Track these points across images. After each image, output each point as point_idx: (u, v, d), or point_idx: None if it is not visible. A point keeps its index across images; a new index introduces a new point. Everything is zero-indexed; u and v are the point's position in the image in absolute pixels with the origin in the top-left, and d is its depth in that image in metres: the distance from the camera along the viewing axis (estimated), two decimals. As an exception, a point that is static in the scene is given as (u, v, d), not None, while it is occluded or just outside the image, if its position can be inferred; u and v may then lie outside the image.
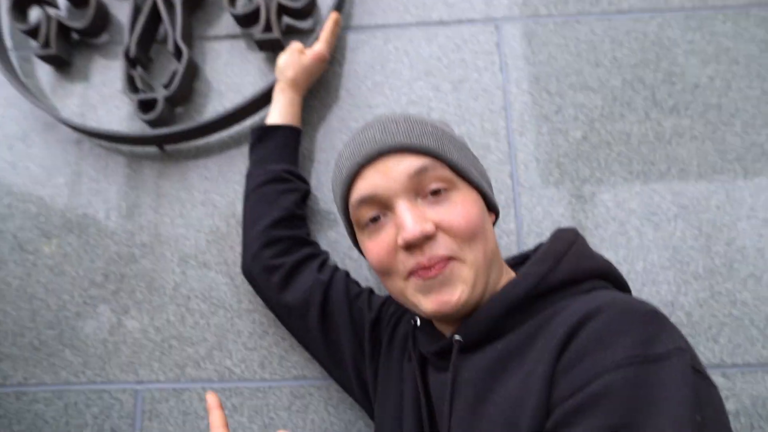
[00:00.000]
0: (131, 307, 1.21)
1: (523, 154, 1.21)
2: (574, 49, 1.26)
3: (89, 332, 1.21)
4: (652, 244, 1.14)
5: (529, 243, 1.16)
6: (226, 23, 1.35)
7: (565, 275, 0.75)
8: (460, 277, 0.74)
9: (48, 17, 1.31)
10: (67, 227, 1.26)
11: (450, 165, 0.78)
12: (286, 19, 1.30)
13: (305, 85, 1.21)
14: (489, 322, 0.74)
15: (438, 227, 0.74)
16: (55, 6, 1.35)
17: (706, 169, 1.18)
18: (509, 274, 0.83)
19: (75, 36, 1.36)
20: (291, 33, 1.31)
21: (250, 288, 1.17)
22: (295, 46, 1.21)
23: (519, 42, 1.28)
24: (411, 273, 0.75)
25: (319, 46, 1.21)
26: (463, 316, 0.77)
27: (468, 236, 0.74)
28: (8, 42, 1.39)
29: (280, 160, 1.15)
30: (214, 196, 1.25)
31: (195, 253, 1.22)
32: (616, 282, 0.81)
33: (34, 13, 1.36)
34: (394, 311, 1.01)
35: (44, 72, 1.37)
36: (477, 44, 1.28)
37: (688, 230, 1.15)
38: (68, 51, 1.35)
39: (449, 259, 0.73)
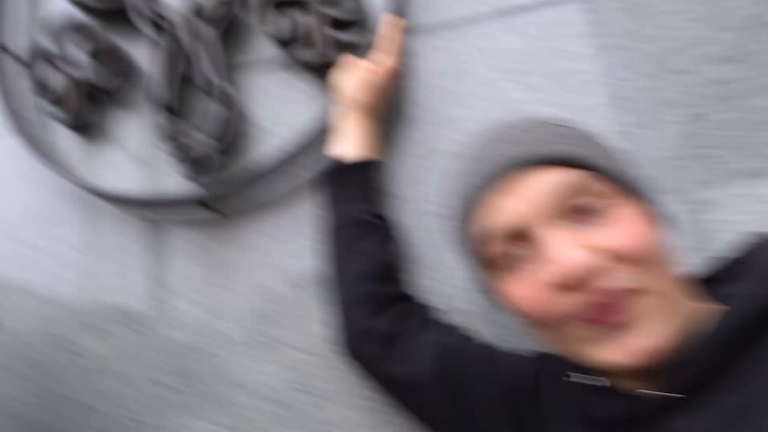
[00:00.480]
0: (198, 407, 1.01)
1: (650, 150, 0.96)
2: (692, 12, 1.00)
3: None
4: None
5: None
6: (256, 47, 1.15)
7: None
8: (647, 314, 0.56)
9: (72, 81, 1.13)
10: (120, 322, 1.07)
11: (609, 176, 0.60)
12: (330, 31, 1.09)
13: (381, 108, 1.01)
14: (712, 366, 0.56)
15: (604, 254, 0.56)
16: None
17: None
18: (706, 302, 0.61)
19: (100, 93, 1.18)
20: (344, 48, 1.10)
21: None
22: (361, 64, 1.00)
23: (618, 16, 1.03)
24: (580, 318, 0.57)
25: (390, 60, 1.00)
26: (658, 365, 0.56)
27: (645, 259, 0.57)
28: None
29: (364, 200, 0.95)
30: (282, 257, 1.04)
31: (262, 327, 1.01)
32: None
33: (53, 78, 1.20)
34: (534, 370, 0.77)
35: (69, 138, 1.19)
36: (567, 27, 1.04)
37: None
38: (92, 114, 1.17)
39: (628, 291, 0.55)
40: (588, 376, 0.66)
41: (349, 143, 0.98)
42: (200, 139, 1.09)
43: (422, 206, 1.02)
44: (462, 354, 0.83)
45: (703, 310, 0.60)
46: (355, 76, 0.99)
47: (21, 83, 1.21)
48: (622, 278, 0.56)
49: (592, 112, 0.99)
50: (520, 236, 0.60)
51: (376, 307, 0.88)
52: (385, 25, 1.02)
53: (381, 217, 0.95)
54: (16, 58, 1.21)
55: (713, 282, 0.66)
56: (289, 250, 1.05)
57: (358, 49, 1.08)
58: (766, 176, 0.90)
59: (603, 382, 0.63)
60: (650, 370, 0.58)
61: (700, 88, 0.95)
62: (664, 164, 0.94)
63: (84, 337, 1.08)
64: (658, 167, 0.93)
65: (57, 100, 1.15)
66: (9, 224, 1.16)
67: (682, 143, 0.94)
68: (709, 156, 0.92)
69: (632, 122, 0.97)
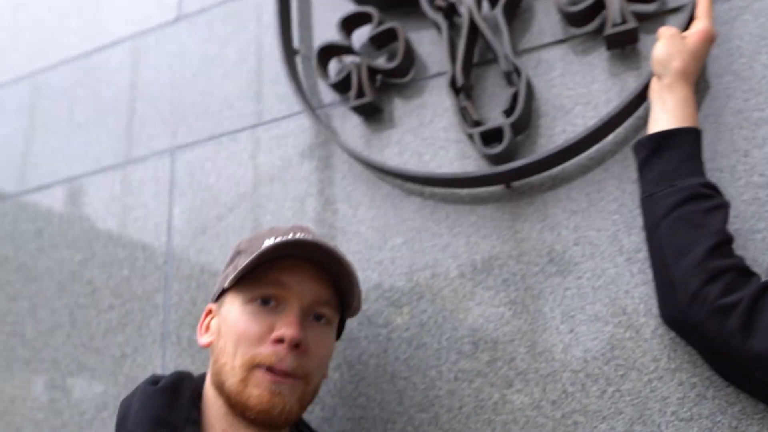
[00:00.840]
0: (514, 379, 0.99)
1: None
2: None
3: (468, 412, 1.00)
4: None
5: None
6: (552, 29, 1.13)
7: None
8: None
9: (357, 65, 1.17)
10: (417, 292, 1.09)
11: None
12: (631, 4, 1.04)
13: (695, 76, 0.95)
14: None
15: None
16: (351, 50, 1.22)
17: None
18: None
19: (379, 79, 1.21)
20: (640, 19, 1.05)
21: (666, 341, 0.92)
22: (670, 30, 0.95)
23: None
24: None
25: (702, 23, 0.94)
26: None
27: None
28: (320, 100, 1.28)
29: (691, 173, 0.89)
30: (588, 232, 1.01)
31: (581, 304, 0.99)
32: None
33: (333, 65, 1.25)
34: None
35: (354, 126, 1.24)
36: None
37: None
38: (379, 97, 1.21)
39: None
40: None
41: (664, 113, 0.93)
42: (493, 116, 1.09)
43: (745, 179, 0.95)
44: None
45: None
46: (666, 43, 0.95)
47: (312, 79, 1.27)
48: None
49: None
50: None
51: (727, 282, 0.82)
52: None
53: (713, 187, 0.89)
54: (306, 57, 1.28)
55: None
56: (596, 225, 1.01)
57: (654, 21, 1.03)
58: None
59: None
60: None
61: None
62: None
63: (389, 312, 1.10)
64: None
65: (347, 89, 1.19)
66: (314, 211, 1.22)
67: None
68: None
69: None
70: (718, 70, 1.01)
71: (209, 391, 0.86)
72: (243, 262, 0.81)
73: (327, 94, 1.29)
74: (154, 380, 0.87)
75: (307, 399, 0.84)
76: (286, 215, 1.24)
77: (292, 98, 1.28)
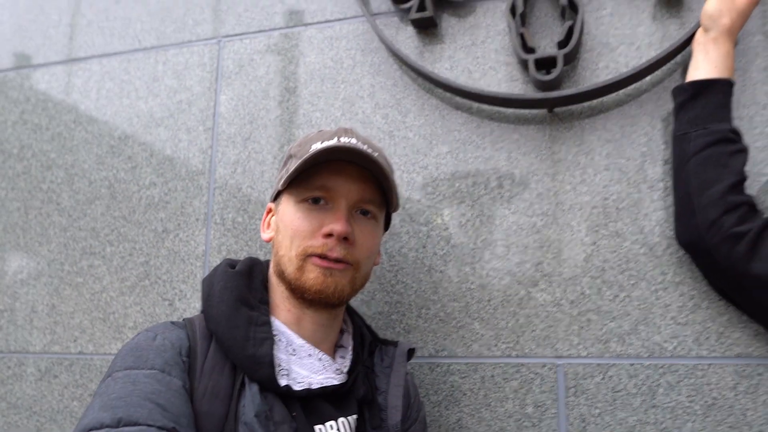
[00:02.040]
0: (540, 280, 1.15)
1: None
2: None
3: (496, 304, 1.16)
4: None
5: None
6: None
7: None
8: None
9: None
10: (458, 197, 1.22)
11: None
12: None
13: (738, 33, 1.07)
14: None
15: None
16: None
17: None
18: None
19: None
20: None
21: (674, 259, 1.10)
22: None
23: None
24: None
25: (752, -16, 1.05)
26: None
27: None
28: (372, 8, 1.33)
29: (722, 119, 1.03)
30: (619, 160, 1.15)
31: (605, 221, 1.14)
32: None
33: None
34: None
35: (407, 37, 1.31)
36: None
37: None
38: (437, 14, 1.28)
39: None
40: None
41: (707, 64, 1.05)
42: (544, 45, 1.19)
43: (760, 129, 1.10)
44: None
45: None
46: (720, 1, 1.05)
47: None
48: None
49: None
50: None
51: (741, 215, 0.98)
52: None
53: (737, 134, 1.03)
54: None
55: None
56: (626, 154, 1.15)
57: None
58: None
59: None
60: None
61: None
62: None
63: (430, 212, 1.22)
64: None
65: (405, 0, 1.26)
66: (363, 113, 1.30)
67: None
68: None
69: None
70: (751, 29, 1.13)
71: (273, 278, 0.96)
72: (293, 165, 0.90)
73: (380, 2, 1.33)
74: (231, 264, 0.96)
75: (358, 283, 0.95)
76: (336, 114, 1.32)
77: (347, 1, 1.33)
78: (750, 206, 1.00)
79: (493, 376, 1.15)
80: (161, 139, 1.43)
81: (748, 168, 1.04)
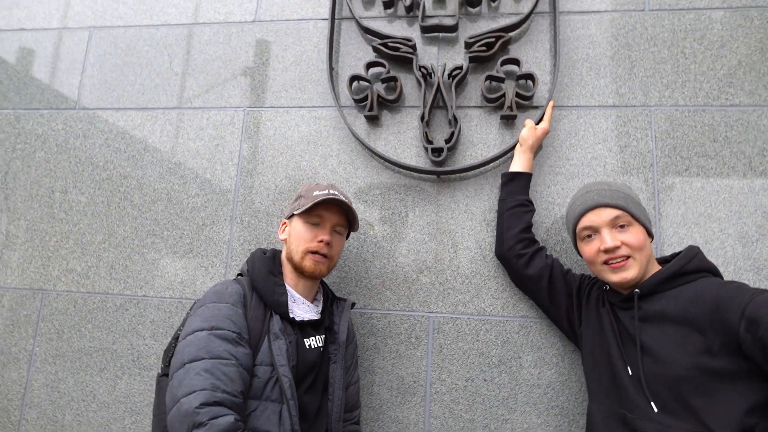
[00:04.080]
0: (424, 270, 1.96)
1: (664, 194, 1.89)
2: (699, 129, 1.92)
3: (399, 282, 1.97)
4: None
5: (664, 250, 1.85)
6: (476, 98, 2.04)
7: (693, 267, 1.43)
8: (632, 267, 1.45)
9: (372, 91, 2.03)
10: (382, 220, 2.01)
11: (630, 213, 1.47)
12: (517, 99, 1.98)
13: (536, 148, 1.91)
14: (651, 285, 1.43)
15: (622, 243, 1.45)
16: (369, 81, 2.06)
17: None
18: (657, 266, 1.51)
19: (381, 101, 2.07)
20: (519, 108, 1.99)
21: (494, 264, 1.91)
22: (531, 123, 1.89)
23: (663, 122, 1.94)
24: (608, 264, 1.47)
25: (545, 124, 1.90)
26: (635, 285, 1.46)
27: (638, 247, 1.45)
28: (341, 102, 2.12)
29: (523, 193, 1.85)
30: (473, 208, 1.97)
31: (462, 240, 1.96)
32: (718, 274, 1.47)
33: (356, 85, 2.09)
34: (588, 282, 1.72)
35: (361, 123, 2.10)
36: (636, 122, 1.95)
37: None
38: (380, 112, 2.07)
39: (627, 257, 1.44)
40: (607, 286, 1.57)
41: (520, 163, 1.88)
42: (438, 139, 2.01)
43: (545, 199, 1.95)
44: (560, 269, 1.77)
45: (654, 269, 1.49)
46: (528, 130, 1.89)
47: (344, 92, 2.11)
48: (624, 251, 1.44)
49: (637, 171, 1.90)
50: (594, 230, 1.49)
51: (526, 244, 1.80)
52: (548, 105, 1.92)
53: (530, 202, 1.87)
54: (336, 73, 2.10)
55: (664, 261, 1.58)
56: (476, 205, 1.97)
57: (526, 110, 1.99)
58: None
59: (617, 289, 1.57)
60: (627, 285, 1.47)
61: (695, 168, 1.88)
62: (676, 202, 1.87)
63: (368, 227, 2.03)
64: (672, 202, 1.87)
65: (363, 101, 2.05)
66: (332, 166, 2.09)
67: (692, 195, 1.88)
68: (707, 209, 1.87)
69: (658, 179, 1.89)
70: (546, 144, 1.98)
71: (285, 261, 1.67)
72: (304, 203, 1.61)
73: (346, 99, 2.12)
74: (263, 251, 1.67)
75: (330, 268, 1.67)
76: (315, 165, 2.09)
77: (328, 96, 2.11)
78: (531, 240, 1.82)
79: (395, 321, 1.95)
80: (203, 167, 2.15)
81: (535, 218, 1.88)
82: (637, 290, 1.44)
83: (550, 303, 1.77)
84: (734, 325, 1.20)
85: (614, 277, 1.45)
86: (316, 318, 1.61)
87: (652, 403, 1.31)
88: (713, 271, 1.45)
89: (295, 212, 1.63)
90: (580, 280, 1.73)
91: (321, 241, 1.59)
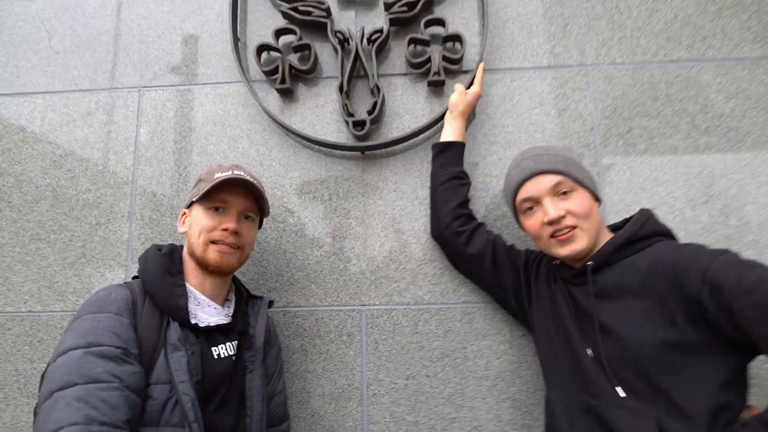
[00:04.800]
0: (353, 258, 1.71)
1: (608, 158, 1.70)
2: (639, 88, 1.74)
3: (325, 273, 1.71)
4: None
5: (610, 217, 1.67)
6: (400, 65, 1.80)
7: (646, 232, 1.26)
8: (580, 237, 1.26)
9: (283, 61, 1.76)
10: (303, 206, 1.75)
11: (572, 178, 1.28)
12: (444, 64, 1.75)
13: (468, 115, 1.69)
14: (605, 255, 1.25)
15: (567, 212, 1.25)
16: (280, 51, 1.79)
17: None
18: (609, 233, 1.34)
19: (294, 73, 1.80)
20: (448, 73, 1.76)
21: (431, 245, 1.68)
22: (460, 87, 1.67)
23: (602, 82, 1.75)
24: (553, 238, 1.28)
25: (476, 88, 1.68)
26: (584, 257, 1.29)
27: (585, 214, 1.26)
28: (250, 76, 1.83)
29: (457, 165, 1.63)
30: (402, 185, 1.73)
31: (392, 223, 1.72)
32: (673, 237, 1.31)
33: (265, 56, 1.82)
34: (535, 257, 1.51)
35: (274, 98, 1.82)
36: (573, 82, 1.75)
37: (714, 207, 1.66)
38: (292, 83, 1.80)
39: (574, 227, 1.25)
40: (557, 261, 1.39)
41: (451, 132, 1.66)
42: (360, 111, 1.76)
43: (481, 170, 1.73)
44: (503, 246, 1.56)
45: (606, 237, 1.32)
46: (457, 94, 1.67)
47: (252, 64, 1.82)
48: (570, 220, 1.26)
49: (581, 135, 1.71)
50: (535, 200, 1.30)
51: (464, 220, 1.59)
52: (478, 67, 1.70)
53: (464, 175, 1.64)
54: (243, 44, 1.81)
55: (616, 228, 1.40)
56: (406, 182, 1.73)
57: (456, 75, 1.76)
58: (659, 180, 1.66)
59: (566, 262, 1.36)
60: (576, 257, 1.29)
61: (637, 130, 1.69)
62: (613, 167, 1.68)
63: (285, 215, 1.75)
64: (610, 169, 1.68)
65: (273, 74, 1.77)
66: (242, 148, 1.80)
67: (624, 159, 1.68)
68: (635, 167, 1.68)
69: (599, 143, 1.69)
70: (479, 111, 1.76)
71: (186, 256, 1.39)
72: (204, 187, 1.34)
73: (256, 73, 1.84)
74: (158, 248, 1.39)
75: (241, 261, 1.41)
76: (223, 147, 1.80)
77: (235, 71, 1.82)
78: (469, 216, 1.60)
79: (322, 317, 1.69)
80: (95, 158, 1.83)
81: (471, 193, 1.66)
82: (590, 263, 1.26)
83: (495, 284, 1.57)
84: (696, 292, 1.06)
85: (562, 251, 1.27)
86: (225, 322, 1.35)
87: (618, 388, 1.14)
88: (668, 234, 1.28)
89: (194, 199, 1.36)
90: (525, 255, 1.54)
91: (226, 230, 1.33)
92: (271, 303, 1.51)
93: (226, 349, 1.33)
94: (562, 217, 1.25)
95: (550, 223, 1.26)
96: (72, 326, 1.16)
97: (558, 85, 1.76)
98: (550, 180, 1.28)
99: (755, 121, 1.70)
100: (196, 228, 1.34)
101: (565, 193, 1.27)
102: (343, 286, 1.70)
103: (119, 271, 1.75)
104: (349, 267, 1.71)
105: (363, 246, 1.71)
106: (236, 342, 1.37)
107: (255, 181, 1.38)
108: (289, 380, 1.65)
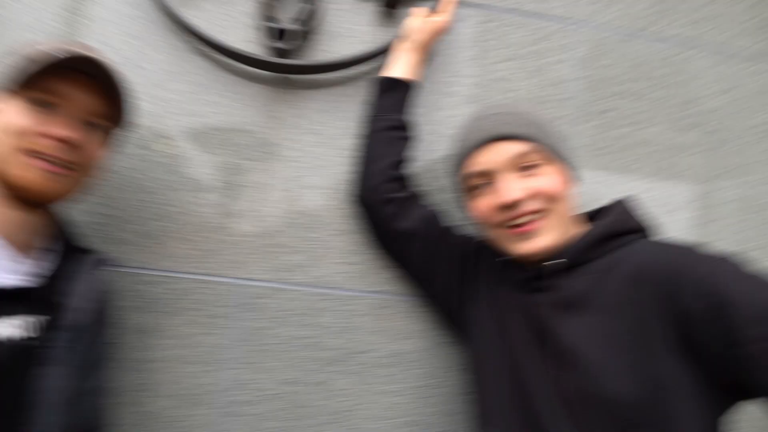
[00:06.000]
0: (236, 213, 1.20)
1: (574, 141, 1.30)
2: (625, 63, 1.36)
3: (193, 229, 1.18)
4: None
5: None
6: None
7: (628, 227, 0.91)
8: (545, 229, 0.88)
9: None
10: (183, 132, 1.22)
11: (543, 145, 0.91)
12: None
13: (429, 48, 1.22)
14: (578, 253, 0.89)
15: (530, 192, 0.88)
16: None
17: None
18: (578, 225, 0.96)
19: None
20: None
21: (350, 212, 1.20)
22: (423, 12, 1.21)
23: (586, 47, 1.35)
24: (507, 229, 0.90)
25: (444, 16, 1.22)
26: (548, 255, 0.90)
27: (553, 197, 0.90)
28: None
29: (402, 111, 1.17)
30: (324, 127, 1.24)
31: (304, 174, 1.22)
32: (650, 233, 0.95)
33: None
34: (474, 248, 1.10)
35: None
36: (555, 39, 1.34)
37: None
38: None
39: (536, 212, 0.88)
40: (507, 257, 0.98)
41: (400, 67, 1.19)
42: (291, 22, 1.23)
43: (430, 128, 1.27)
44: (440, 225, 1.11)
45: (577, 230, 0.93)
46: (418, 20, 1.20)
47: None
48: (535, 204, 0.88)
49: (554, 104, 1.29)
50: (487, 176, 0.91)
51: (399, 186, 1.13)
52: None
53: (408, 125, 1.18)
54: None
55: (590, 219, 1.00)
56: (331, 124, 1.24)
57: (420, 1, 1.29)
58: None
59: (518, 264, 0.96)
60: (538, 257, 0.91)
61: (613, 112, 1.29)
62: (579, 150, 1.28)
63: (154, 138, 1.19)
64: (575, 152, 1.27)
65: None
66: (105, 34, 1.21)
67: (594, 141, 1.29)
68: (603, 155, 1.28)
69: (572, 118, 1.28)
70: (439, 50, 1.30)
71: None
72: (26, 67, 0.80)
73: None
74: None
75: (73, 189, 0.87)
76: (82, 31, 1.22)
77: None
78: (404, 180, 1.15)
79: (179, 289, 1.16)
80: None
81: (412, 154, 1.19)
82: (560, 260, 0.90)
83: (426, 272, 1.13)
84: (687, 308, 0.75)
85: (520, 248, 0.91)
86: (20, 285, 0.82)
87: None
88: (646, 231, 0.94)
89: (6, 83, 0.82)
90: (467, 241, 1.12)
91: (53, 137, 0.81)
92: (103, 262, 0.98)
93: (14, 327, 0.80)
94: (522, 201, 0.87)
95: (505, 207, 0.88)
96: None
97: (537, 38, 1.35)
98: (511, 149, 0.90)
99: (741, 123, 1.38)
100: (5, 129, 0.81)
101: (530, 167, 0.89)
102: (216, 250, 1.18)
103: None
104: (229, 224, 1.19)
105: (253, 199, 1.21)
106: (39, 316, 0.83)
107: (112, 70, 0.86)
108: (121, 371, 1.10)
